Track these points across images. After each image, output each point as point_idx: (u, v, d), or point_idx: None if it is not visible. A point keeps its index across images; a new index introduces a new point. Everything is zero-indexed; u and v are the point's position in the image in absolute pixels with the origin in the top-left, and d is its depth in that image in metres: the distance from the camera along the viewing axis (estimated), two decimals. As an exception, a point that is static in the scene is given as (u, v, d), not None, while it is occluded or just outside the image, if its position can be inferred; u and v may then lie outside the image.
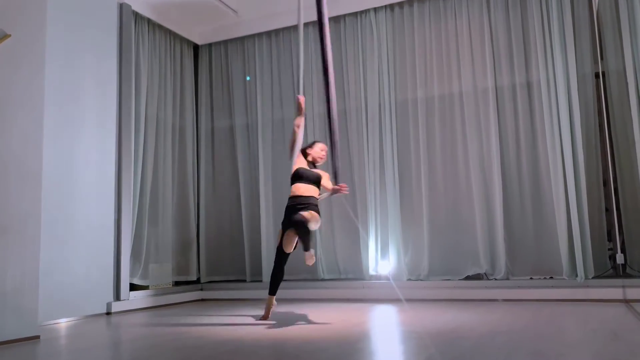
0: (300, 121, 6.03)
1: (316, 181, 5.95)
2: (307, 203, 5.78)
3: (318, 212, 5.78)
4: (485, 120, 7.57)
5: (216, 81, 9.45)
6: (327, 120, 5.82)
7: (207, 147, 9.35)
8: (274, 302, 6.02)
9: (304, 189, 5.87)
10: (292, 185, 5.94)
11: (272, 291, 5.95)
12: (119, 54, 7.65)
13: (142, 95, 8.05)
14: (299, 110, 6.07)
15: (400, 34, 8.21)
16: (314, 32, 8.58)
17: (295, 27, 8.24)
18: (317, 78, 8.52)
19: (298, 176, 5.93)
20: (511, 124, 7.50)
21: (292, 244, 5.75)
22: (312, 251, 5.67)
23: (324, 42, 5.56)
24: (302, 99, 6.07)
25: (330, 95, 5.58)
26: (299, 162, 6.03)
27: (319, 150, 6.11)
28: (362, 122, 8.20)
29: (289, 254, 5.84)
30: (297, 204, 5.78)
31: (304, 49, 8.64)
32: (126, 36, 7.72)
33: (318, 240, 8.24)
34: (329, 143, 5.77)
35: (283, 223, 5.85)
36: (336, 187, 5.78)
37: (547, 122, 7.20)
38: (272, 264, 8.38)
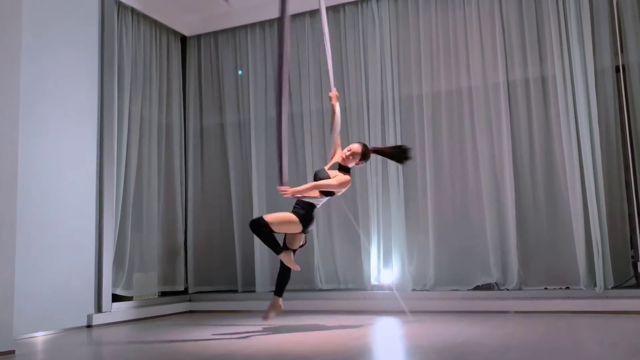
0: (335, 105, 6.40)
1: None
2: (297, 203, 5.99)
3: (300, 214, 5.88)
4: (496, 117, 7.57)
5: (205, 76, 9.45)
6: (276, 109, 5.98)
7: (196, 146, 9.36)
8: (280, 303, 6.11)
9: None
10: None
11: (278, 292, 6.10)
12: (101, 46, 7.63)
13: (125, 92, 8.05)
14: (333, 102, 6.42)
15: (404, 24, 8.22)
16: (311, 22, 8.65)
17: (291, 17, 8.24)
18: (314, 72, 8.59)
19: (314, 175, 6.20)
20: (524, 121, 7.51)
21: (298, 242, 5.93)
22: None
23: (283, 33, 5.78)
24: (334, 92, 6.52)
25: (282, 87, 5.75)
26: (334, 158, 6.27)
27: (345, 150, 6.12)
28: (364, 119, 8.21)
29: (294, 250, 6.00)
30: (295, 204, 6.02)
31: (299, 41, 8.70)
32: (108, 27, 7.71)
33: (315, 247, 8.27)
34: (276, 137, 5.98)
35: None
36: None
37: (563, 120, 7.20)
38: (266, 273, 8.47)
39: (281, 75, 5.70)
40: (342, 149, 6.21)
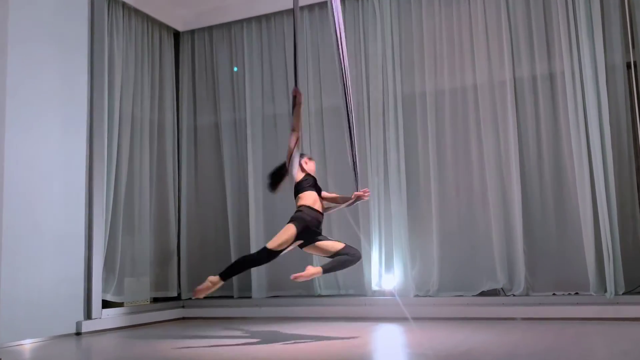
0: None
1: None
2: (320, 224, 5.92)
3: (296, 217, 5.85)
4: (503, 116, 7.58)
5: (199, 72, 9.45)
6: (345, 115, 5.96)
7: (190, 146, 9.36)
8: (218, 285, 5.70)
9: (319, 205, 5.94)
10: (305, 193, 5.96)
11: (227, 275, 5.69)
12: (90, 42, 7.62)
13: (115, 90, 8.04)
14: (295, 106, 6.07)
15: (406, 19, 8.22)
16: (309, 17, 8.65)
17: (289, 12, 8.24)
18: (313, 69, 8.59)
19: (313, 184, 6.03)
20: (531, 120, 7.52)
21: (288, 248, 5.75)
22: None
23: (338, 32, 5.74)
24: (299, 93, 6.09)
25: (346, 85, 5.69)
26: (300, 173, 6.09)
27: (314, 168, 6.19)
28: (364, 119, 8.19)
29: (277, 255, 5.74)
30: (317, 224, 5.86)
31: (300, 34, 8.67)
32: (98, 22, 7.69)
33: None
34: (347, 139, 5.94)
35: (300, 231, 5.71)
36: (358, 193, 5.90)
37: (572, 119, 7.20)
38: (263, 278, 8.42)
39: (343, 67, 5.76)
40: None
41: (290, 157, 5.99)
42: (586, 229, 6.99)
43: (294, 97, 6.09)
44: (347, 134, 5.98)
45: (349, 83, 6.00)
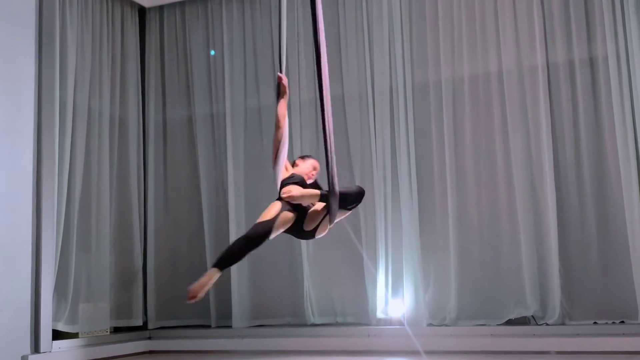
0: (285, 108, 5.90)
1: None
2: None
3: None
4: (534, 109, 7.58)
5: (170, 57, 9.45)
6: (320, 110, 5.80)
7: (158, 145, 9.35)
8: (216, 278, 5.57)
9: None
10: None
11: (223, 265, 5.53)
12: (38, 21, 7.54)
13: (69, 77, 8.02)
14: (280, 95, 5.96)
15: (418, -6, 8.26)
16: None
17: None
18: (305, 53, 8.58)
19: (299, 182, 5.73)
20: (568, 114, 7.52)
21: (284, 229, 5.59)
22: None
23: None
24: (284, 78, 5.96)
25: (322, 79, 5.53)
26: (286, 173, 5.87)
27: (311, 168, 5.93)
28: (368, 112, 8.22)
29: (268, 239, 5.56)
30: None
31: (288, 14, 8.61)
32: (47, -3, 7.70)
33: (305, 270, 8.26)
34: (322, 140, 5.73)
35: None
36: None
37: (617, 112, 7.20)
38: (245, 304, 8.37)
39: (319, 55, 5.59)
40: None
41: (274, 158, 5.86)
42: (634, 245, 7.02)
43: (278, 85, 5.95)
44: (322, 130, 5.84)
45: (325, 72, 5.78)
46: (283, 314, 8.19)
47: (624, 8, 7.24)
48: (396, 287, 7.91)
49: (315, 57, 5.52)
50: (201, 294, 5.38)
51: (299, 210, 5.54)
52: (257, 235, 5.53)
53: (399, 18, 8.18)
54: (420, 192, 7.94)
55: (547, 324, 7.25)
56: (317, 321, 8.23)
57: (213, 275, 5.39)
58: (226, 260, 5.52)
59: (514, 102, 7.66)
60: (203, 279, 5.38)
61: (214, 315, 8.70)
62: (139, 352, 8.43)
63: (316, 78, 5.63)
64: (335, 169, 5.46)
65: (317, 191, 5.49)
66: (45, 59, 7.53)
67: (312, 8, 5.51)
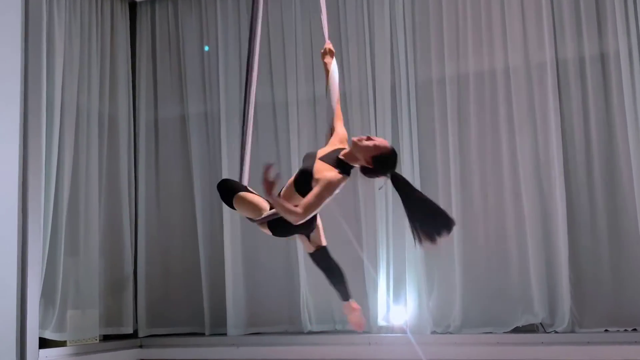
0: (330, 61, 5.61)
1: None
2: None
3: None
4: (542, 107, 7.56)
5: (162, 53, 9.43)
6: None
7: (149, 145, 9.34)
8: (354, 305, 5.66)
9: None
10: None
11: (343, 296, 5.73)
12: (24, 17, 7.49)
13: (56, 74, 8.00)
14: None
15: (421, -14, 8.27)
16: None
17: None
18: (304, 52, 8.61)
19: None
20: (578, 111, 7.49)
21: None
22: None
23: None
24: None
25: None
26: (333, 140, 5.34)
27: (364, 138, 4.91)
28: (369, 110, 8.21)
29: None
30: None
31: (284, 11, 8.61)
32: (34, -10, 7.69)
33: (302, 276, 8.23)
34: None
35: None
36: None
37: (629, 109, 7.16)
38: (241, 310, 8.37)
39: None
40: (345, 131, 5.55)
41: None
42: (648, 250, 7.04)
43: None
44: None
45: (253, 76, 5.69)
46: (280, 321, 8.21)
47: (636, 1, 7.23)
48: (398, 292, 7.90)
49: (247, 60, 5.62)
50: (364, 321, 5.71)
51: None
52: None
53: (402, 11, 8.18)
54: (424, 193, 7.87)
55: (556, 332, 7.23)
56: (315, 329, 8.23)
57: (352, 305, 5.67)
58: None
59: (521, 100, 7.65)
60: (354, 315, 5.70)
61: (208, 323, 8.69)
62: (129, 361, 8.47)
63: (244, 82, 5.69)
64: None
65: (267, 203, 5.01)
66: (32, 54, 7.48)
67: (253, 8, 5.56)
